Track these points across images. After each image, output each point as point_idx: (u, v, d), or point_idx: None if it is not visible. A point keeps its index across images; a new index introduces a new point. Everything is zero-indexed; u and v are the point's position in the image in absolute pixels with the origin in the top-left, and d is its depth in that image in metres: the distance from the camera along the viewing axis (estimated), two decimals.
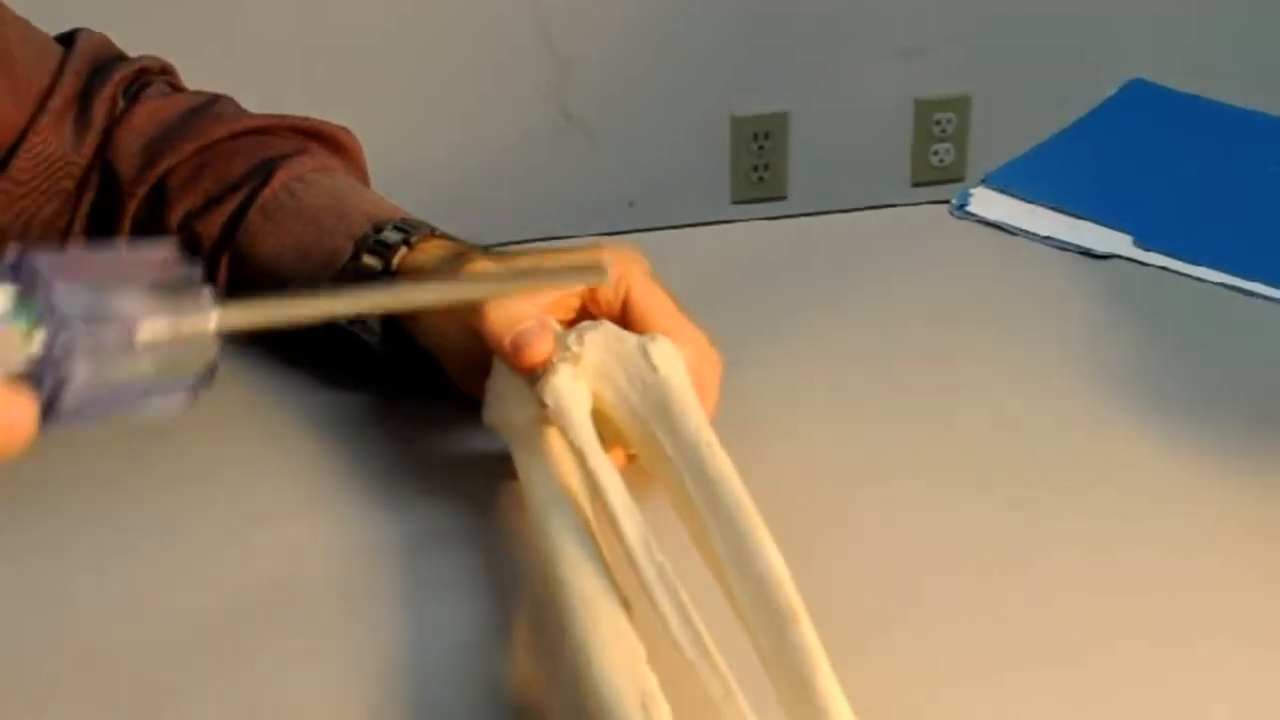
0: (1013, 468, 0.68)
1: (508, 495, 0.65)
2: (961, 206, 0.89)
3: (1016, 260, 0.85)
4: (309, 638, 0.59)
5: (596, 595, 0.53)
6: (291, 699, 0.56)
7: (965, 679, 0.56)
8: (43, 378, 0.43)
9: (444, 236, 0.74)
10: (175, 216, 0.79)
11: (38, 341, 0.43)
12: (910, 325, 0.79)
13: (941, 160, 2.19)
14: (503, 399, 0.64)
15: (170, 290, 0.45)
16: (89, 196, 0.80)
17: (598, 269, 0.60)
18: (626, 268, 0.67)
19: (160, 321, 0.45)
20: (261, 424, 0.72)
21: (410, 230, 0.74)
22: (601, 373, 0.61)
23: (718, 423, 0.65)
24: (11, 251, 0.45)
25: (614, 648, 0.51)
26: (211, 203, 0.79)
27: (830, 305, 0.81)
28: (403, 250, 0.73)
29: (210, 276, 0.76)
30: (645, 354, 0.61)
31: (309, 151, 0.81)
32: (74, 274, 0.44)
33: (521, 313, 0.63)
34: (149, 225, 0.79)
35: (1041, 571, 0.62)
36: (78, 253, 0.45)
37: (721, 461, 0.56)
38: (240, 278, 0.77)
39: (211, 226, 0.78)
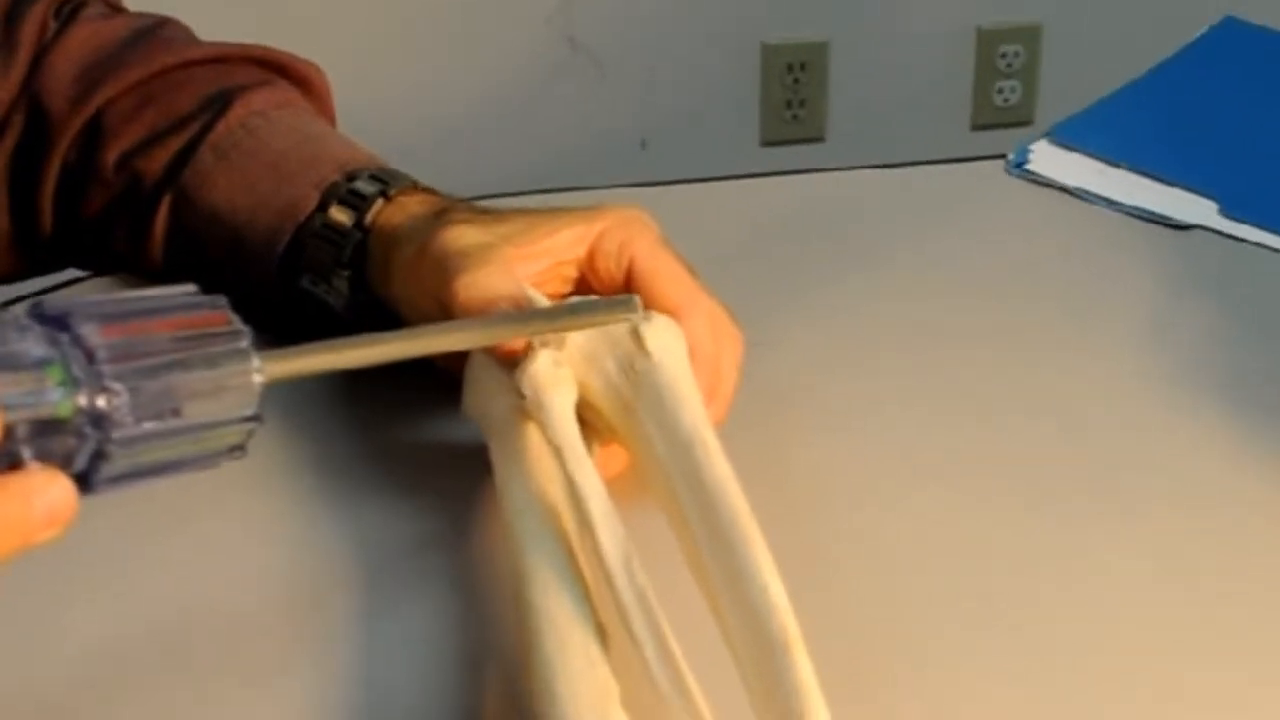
0: (1071, 469, 0.67)
1: (491, 494, 0.64)
2: (1020, 164, 0.88)
3: (1081, 228, 0.84)
4: (257, 658, 0.59)
5: (568, 622, 0.53)
6: None
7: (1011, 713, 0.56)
8: (76, 450, 0.43)
9: (425, 190, 0.74)
10: (111, 156, 0.78)
11: (70, 405, 0.43)
12: (957, 301, 0.78)
13: (1006, 100, 2.17)
14: (480, 387, 0.64)
15: (212, 343, 0.46)
16: (11, 135, 0.79)
17: (630, 305, 0.59)
18: (631, 232, 0.67)
19: (205, 399, 0.46)
20: None
21: (388, 181, 0.73)
22: (589, 358, 0.61)
23: (733, 413, 0.65)
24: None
25: (582, 683, 0.51)
26: (155, 138, 0.78)
27: (865, 277, 0.80)
28: (379, 204, 0.72)
29: (146, 223, 0.77)
30: (637, 336, 0.60)
31: (272, 84, 0.80)
32: (111, 329, 0.44)
33: (496, 290, 0.63)
34: (80, 169, 0.78)
35: (1101, 583, 0.61)
36: (107, 299, 0.46)
37: (717, 465, 0.56)
38: (183, 225, 0.77)
39: (154, 164, 0.77)
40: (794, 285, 0.80)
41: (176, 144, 0.77)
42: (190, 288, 0.48)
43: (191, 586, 0.62)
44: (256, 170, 0.75)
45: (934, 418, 0.71)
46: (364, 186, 0.73)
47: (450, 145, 1.98)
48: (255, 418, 0.47)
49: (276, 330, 0.74)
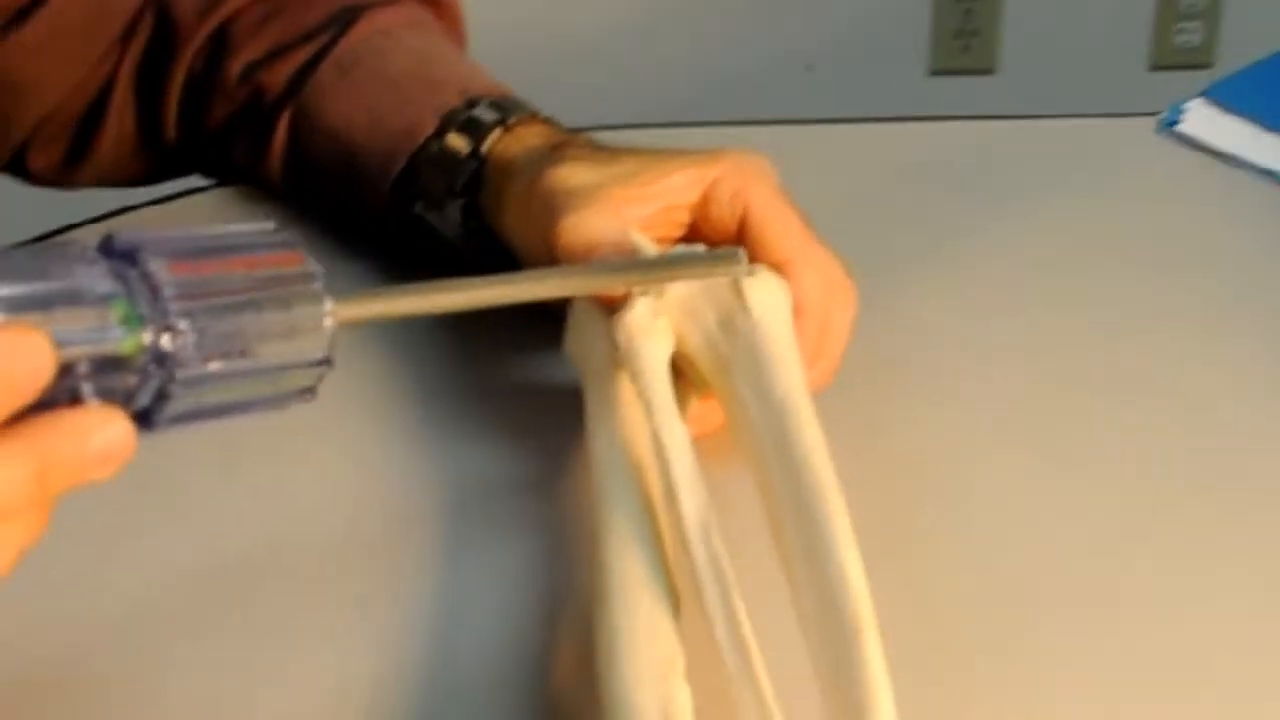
0: (1192, 456, 0.64)
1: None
2: (1171, 124, 0.84)
3: (1229, 197, 0.80)
4: (320, 591, 0.59)
5: (639, 585, 0.51)
6: (295, 656, 0.56)
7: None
8: (138, 387, 0.43)
9: (545, 121, 0.72)
10: (235, 67, 0.78)
11: (133, 343, 0.42)
12: (1087, 267, 0.75)
13: (1187, 41, 2.09)
14: (581, 333, 0.62)
15: (284, 285, 0.45)
16: (139, 41, 0.79)
17: (734, 259, 0.57)
18: (746, 179, 0.65)
19: (274, 341, 0.45)
20: None
21: (508, 110, 0.72)
22: (689, 310, 0.59)
23: (841, 373, 0.63)
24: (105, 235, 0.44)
25: (646, 652, 0.50)
26: (279, 51, 0.77)
27: (991, 236, 0.77)
28: (497, 133, 0.71)
29: (265, 138, 0.77)
30: (739, 292, 0.58)
31: (400, 3, 0.79)
32: (180, 265, 0.43)
33: (600, 234, 0.61)
34: (204, 79, 0.78)
35: (1225, 587, 0.58)
36: (179, 234, 0.45)
37: (808, 435, 0.54)
38: (301, 142, 0.76)
39: (276, 77, 0.77)
40: (919, 237, 0.77)
41: (300, 58, 0.77)
42: (268, 225, 0.47)
43: (279, 514, 0.62)
44: (377, 90, 0.75)
45: (1048, 391, 0.68)
46: (483, 114, 0.71)
47: (587, 66, 1.96)
48: (326, 361, 0.46)
49: (391, 259, 0.74)
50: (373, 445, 0.65)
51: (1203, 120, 0.84)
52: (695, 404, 0.61)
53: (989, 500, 0.62)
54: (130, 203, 0.80)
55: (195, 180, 0.84)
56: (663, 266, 0.59)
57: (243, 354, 0.44)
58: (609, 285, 0.59)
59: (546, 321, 0.66)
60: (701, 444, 0.57)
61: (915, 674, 0.49)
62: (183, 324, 0.43)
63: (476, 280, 0.51)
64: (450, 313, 0.51)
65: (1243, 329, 0.71)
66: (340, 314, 0.46)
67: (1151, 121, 0.85)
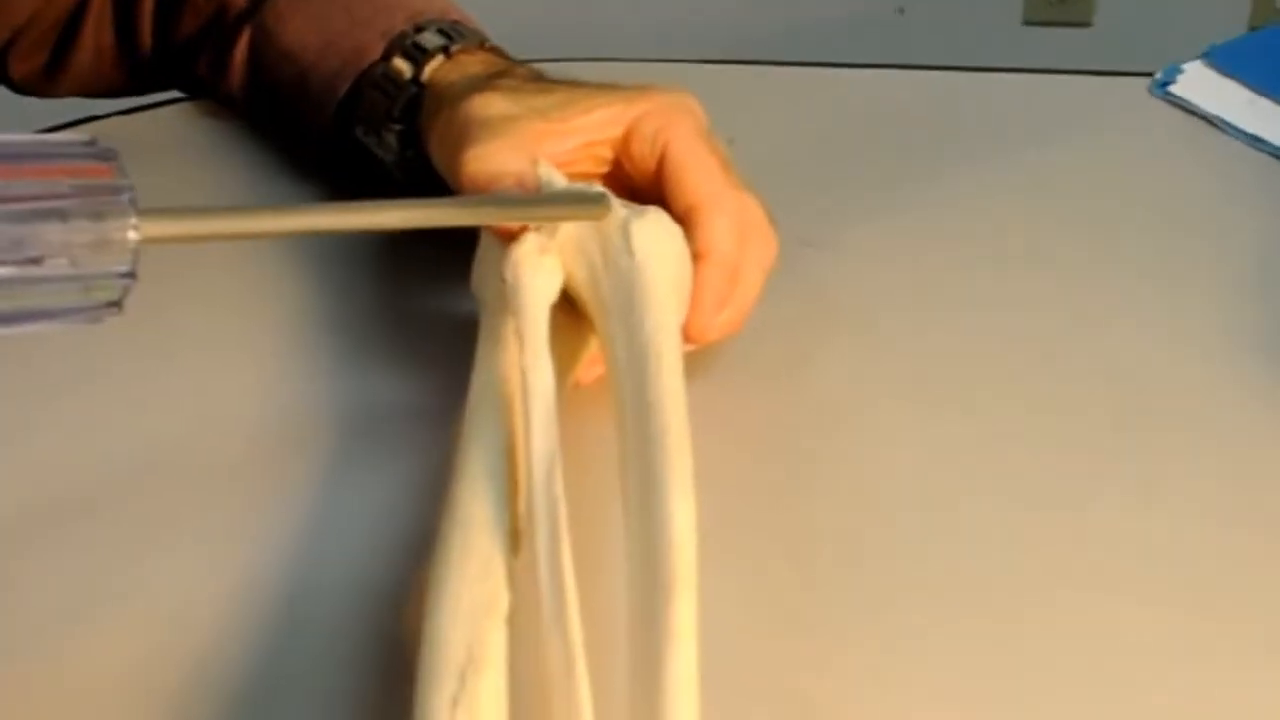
0: (1111, 416, 0.62)
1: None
2: (1165, 85, 0.82)
3: (1213, 162, 0.78)
4: (187, 506, 0.59)
5: (479, 524, 0.51)
6: (148, 570, 0.56)
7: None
8: None
9: (490, 50, 0.72)
10: None
11: None
12: (1052, 222, 0.74)
13: None
14: (481, 264, 0.62)
15: (89, 196, 0.45)
16: None
17: (598, 200, 0.57)
18: (670, 118, 0.64)
19: (78, 250, 0.44)
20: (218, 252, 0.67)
21: (454, 37, 0.71)
22: (579, 248, 0.58)
23: (762, 316, 0.62)
24: None
25: (470, 590, 0.49)
26: None
27: (958, 189, 0.76)
28: (439, 59, 0.70)
29: (226, 54, 0.77)
30: (625, 231, 0.57)
31: None
32: None
33: (503, 166, 0.60)
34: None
35: (1141, 540, 0.57)
36: None
37: (666, 380, 0.52)
38: (258, 60, 0.76)
39: None
40: (879, 186, 0.76)
41: None
42: (84, 137, 0.46)
43: (159, 427, 0.62)
44: (331, 11, 0.74)
45: (978, 345, 0.66)
46: (429, 39, 0.71)
47: (684, 6, 1.94)
48: (131, 275, 0.46)
49: (342, 183, 0.74)
50: (271, 364, 0.65)
51: (1197, 82, 0.82)
52: (596, 344, 0.61)
53: (886, 442, 0.61)
54: (96, 113, 0.81)
55: (174, 94, 0.84)
56: (523, 205, 0.58)
57: (35, 261, 0.44)
58: (455, 220, 0.58)
59: (470, 251, 0.65)
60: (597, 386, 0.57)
61: (791, 622, 0.49)
62: None
63: (311, 208, 0.51)
64: (269, 237, 0.50)
65: (1189, 295, 0.69)
66: (147, 229, 0.45)
67: (1146, 81, 0.82)
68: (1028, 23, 2.07)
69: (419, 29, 0.71)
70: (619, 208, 0.58)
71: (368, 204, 0.53)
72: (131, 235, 0.45)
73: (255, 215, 0.49)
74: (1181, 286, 0.70)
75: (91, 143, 0.46)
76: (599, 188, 0.58)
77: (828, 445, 0.61)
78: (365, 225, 0.53)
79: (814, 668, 0.52)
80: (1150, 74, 0.83)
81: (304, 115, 0.74)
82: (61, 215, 0.44)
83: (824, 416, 0.62)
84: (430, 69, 0.70)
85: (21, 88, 0.85)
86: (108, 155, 0.46)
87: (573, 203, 0.58)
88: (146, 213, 0.45)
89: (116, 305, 0.46)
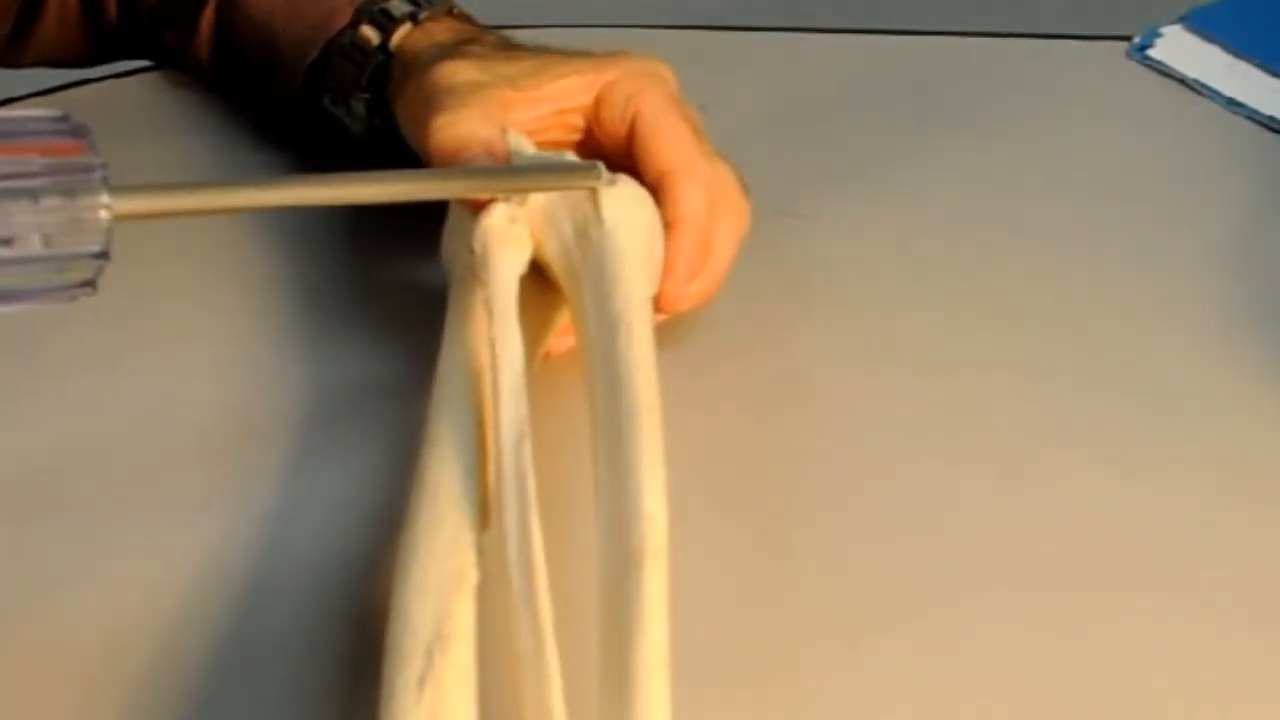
0: (1088, 388, 0.62)
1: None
2: (1143, 49, 0.81)
3: (1190, 126, 0.77)
4: (160, 482, 0.58)
5: (448, 498, 0.50)
6: (120, 549, 0.55)
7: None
8: None
9: (459, 17, 0.71)
10: None
11: None
12: (1030, 189, 0.73)
13: None
14: (451, 235, 0.61)
15: (60, 174, 0.45)
16: None
17: (592, 171, 0.56)
18: (641, 85, 0.63)
19: (51, 229, 0.44)
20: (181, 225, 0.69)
21: (422, 4, 0.70)
22: (549, 218, 0.57)
23: (728, 294, 0.62)
24: None
25: (439, 565, 0.48)
26: None
27: (937, 155, 0.75)
28: (406, 26, 0.69)
29: (193, 22, 0.76)
30: (595, 201, 0.57)
31: None
32: None
33: (472, 134, 0.60)
34: None
35: (1110, 513, 0.56)
36: None
37: (637, 350, 0.52)
38: (225, 28, 0.75)
39: None
40: (857, 154, 0.75)
41: None
42: (55, 113, 0.46)
43: (125, 402, 0.62)
44: None
45: (953, 315, 0.66)
46: (396, 6, 0.70)
47: None
48: (104, 254, 0.45)
49: (312, 153, 0.73)
50: (237, 338, 0.65)
51: (1176, 46, 0.81)
52: (567, 315, 0.60)
53: (858, 423, 0.61)
54: (60, 82, 0.80)
55: (142, 63, 0.83)
56: (512, 175, 0.58)
57: (6, 242, 0.44)
58: (448, 191, 0.57)
59: (439, 222, 0.65)
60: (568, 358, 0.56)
61: (764, 595, 0.48)
62: None
63: (287, 181, 0.50)
64: (244, 212, 0.50)
65: (1164, 263, 0.69)
66: (119, 207, 0.45)
67: (1124, 47, 0.82)
68: None
69: None
70: (608, 175, 0.57)
71: (355, 175, 0.53)
72: (103, 214, 0.45)
73: (228, 190, 0.49)
74: (1160, 253, 0.70)
75: (64, 118, 0.45)
76: (591, 160, 0.58)
77: (800, 415, 0.61)
78: (350, 198, 0.52)
79: (786, 641, 0.51)
80: (1129, 38, 0.82)
81: (272, 83, 0.73)
82: (32, 195, 0.44)
83: (797, 386, 0.62)
84: (398, 36, 0.69)
85: None
86: (80, 132, 0.45)
87: (565, 173, 0.57)
88: (119, 190, 0.45)
89: (90, 285, 0.46)
